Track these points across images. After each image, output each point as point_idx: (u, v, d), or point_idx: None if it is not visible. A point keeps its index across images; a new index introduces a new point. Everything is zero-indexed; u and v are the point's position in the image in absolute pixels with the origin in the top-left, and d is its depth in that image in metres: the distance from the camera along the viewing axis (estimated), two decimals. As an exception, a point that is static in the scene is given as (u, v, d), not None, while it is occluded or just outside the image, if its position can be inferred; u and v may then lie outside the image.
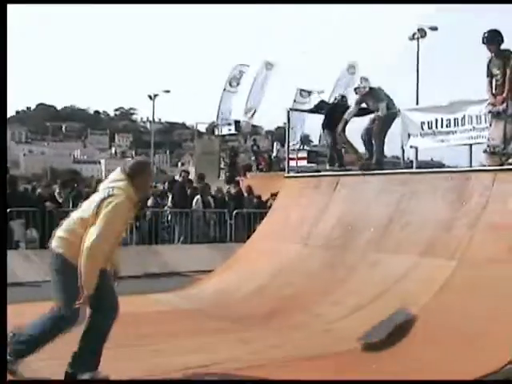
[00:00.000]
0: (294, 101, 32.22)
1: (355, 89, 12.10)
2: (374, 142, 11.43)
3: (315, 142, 34.00)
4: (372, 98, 11.53)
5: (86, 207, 5.72)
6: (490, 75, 9.72)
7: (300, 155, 29.00)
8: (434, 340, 7.06)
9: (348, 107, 12.31)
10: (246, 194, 19.07)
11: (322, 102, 13.37)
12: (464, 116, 11.13)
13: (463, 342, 6.89)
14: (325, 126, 12.91)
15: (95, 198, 5.68)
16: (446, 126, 11.49)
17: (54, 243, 5.67)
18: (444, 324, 7.33)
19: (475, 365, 6.34)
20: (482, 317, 7.14)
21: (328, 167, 12.83)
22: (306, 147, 32.09)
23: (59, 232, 5.71)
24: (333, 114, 12.53)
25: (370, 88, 11.59)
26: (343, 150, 13.02)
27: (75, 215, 5.77)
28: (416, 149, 12.43)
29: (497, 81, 9.66)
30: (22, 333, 5.70)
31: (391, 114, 11.50)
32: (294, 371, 6.47)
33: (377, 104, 11.38)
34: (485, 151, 9.96)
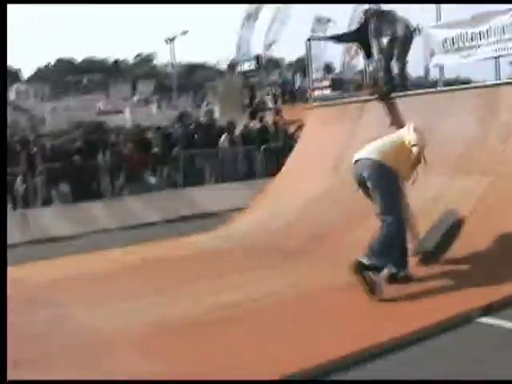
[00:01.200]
0: (312, 30, 31.66)
1: (366, 10, 11.64)
2: (396, 64, 11.09)
3: (338, 69, 33.52)
4: (387, 20, 11.14)
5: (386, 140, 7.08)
6: None
7: (323, 84, 28.67)
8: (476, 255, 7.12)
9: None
10: (271, 128, 18.90)
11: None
12: (489, 28, 10.76)
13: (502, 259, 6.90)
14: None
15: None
16: (471, 40, 11.14)
17: (370, 159, 6.86)
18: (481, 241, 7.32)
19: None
20: None
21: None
22: (329, 75, 31.67)
23: (368, 154, 6.93)
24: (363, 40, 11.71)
25: (382, 11, 11.20)
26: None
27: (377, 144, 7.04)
28: (441, 67, 12.13)
29: None
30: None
31: (410, 33, 11.13)
32: (329, 300, 6.57)
33: (394, 25, 11.01)
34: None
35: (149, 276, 8.41)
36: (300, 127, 15.73)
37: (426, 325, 5.51)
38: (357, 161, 7.06)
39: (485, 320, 5.69)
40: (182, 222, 13.92)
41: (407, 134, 6.92)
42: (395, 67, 11.06)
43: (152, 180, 15.79)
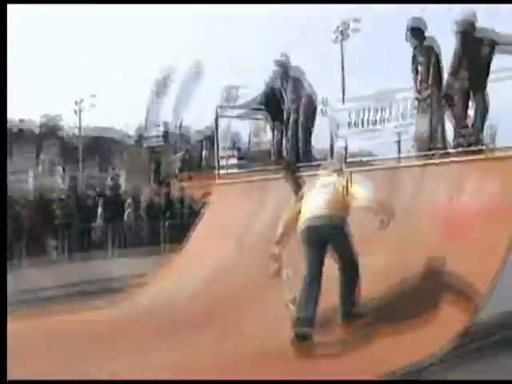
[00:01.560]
0: (223, 98, 32.02)
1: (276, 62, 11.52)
2: (300, 137, 11.24)
3: (245, 139, 33.88)
4: (293, 87, 11.33)
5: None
6: (415, 66, 9.82)
7: (230, 154, 28.86)
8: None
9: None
10: (176, 198, 18.85)
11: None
12: (391, 111, 11.18)
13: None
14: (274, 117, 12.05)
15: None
16: (373, 124, 11.52)
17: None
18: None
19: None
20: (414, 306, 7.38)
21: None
22: (236, 145, 31.93)
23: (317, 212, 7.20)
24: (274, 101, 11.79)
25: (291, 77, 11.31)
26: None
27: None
28: (345, 146, 12.47)
29: (421, 73, 9.74)
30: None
31: (314, 108, 11.35)
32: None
33: (299, 94, 11.24)
34: (413, 146, 10.08)
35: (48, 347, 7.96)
36: (205, 197, 15.71)
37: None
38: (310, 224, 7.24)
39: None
40: (83, 294, 13.42)
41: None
42: (300, 140, 11.19)
43: (54, 252, 15.33)
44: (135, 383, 4.46)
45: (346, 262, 7.35)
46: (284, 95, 11.46)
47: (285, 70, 11.37)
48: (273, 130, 12.02)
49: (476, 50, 8.93)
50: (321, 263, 7.26)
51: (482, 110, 9.04)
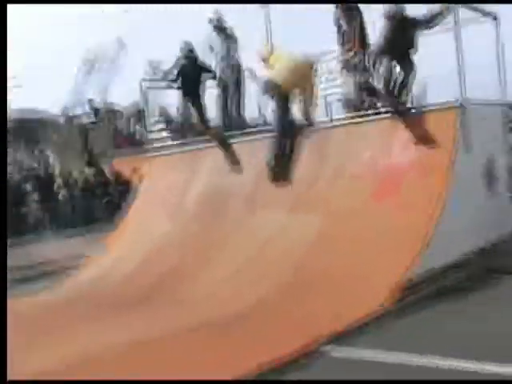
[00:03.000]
0: (146, 73, 31.59)
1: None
2: (232, 108, 11.19)
3: (173, 112, 33.60)
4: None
5: None
6: (339, 29, 9.84)
7: (159, 128, 28.58)
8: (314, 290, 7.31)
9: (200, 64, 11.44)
10: (111, 178, 18.63)
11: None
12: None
13: (340, 290, 7.20)
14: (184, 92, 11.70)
15: None
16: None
17: None
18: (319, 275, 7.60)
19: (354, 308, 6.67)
20: (354, 265, 7.52)
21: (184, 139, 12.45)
22: (163, 119, 31.65)
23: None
24: (186, 77, 11.35)
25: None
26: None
27: None
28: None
29: (345, 34, 9.78)
30: None
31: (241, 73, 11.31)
32: (183, 344, 6.40)
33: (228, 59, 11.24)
34: (339, 101, 10.14)
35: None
36: (137, 174, 15.53)
37: (271, 359, 5.49)
38: None
39: (329, 348, 5.83)
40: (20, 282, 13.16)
41: None
42: (232, 107, 11.12)
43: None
44: (135, 383, 4.40)
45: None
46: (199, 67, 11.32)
47: (219, 28, 11.33)
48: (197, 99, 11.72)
49: (403, 31, 8.92)
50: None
51: (408, 71, 9.11)
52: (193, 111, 11.62)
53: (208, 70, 11.21)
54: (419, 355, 5.29)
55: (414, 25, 8.87)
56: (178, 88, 11.40)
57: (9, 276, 13.00)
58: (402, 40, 8.76)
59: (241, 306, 7.34)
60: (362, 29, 9.70)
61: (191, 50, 11.24)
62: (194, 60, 11.31)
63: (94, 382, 4.54)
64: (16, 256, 14.09)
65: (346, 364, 5.50)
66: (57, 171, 18.40)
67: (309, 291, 7.36)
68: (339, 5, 9.77)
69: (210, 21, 11.39)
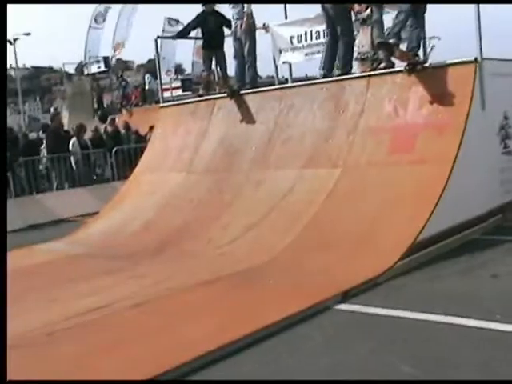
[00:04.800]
0: (163, 30, 31.37)
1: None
2: (247, 61, 11.05)
3: (188, 70, 33.49)
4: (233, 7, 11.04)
5: None
6: None
7: (174, 85, 28.50)
8: (328, 245, 7.28)
9: (220, 14, 11.52)
10: (123, 131, 18.57)
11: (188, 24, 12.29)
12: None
13: (354, 247, 7.12)
14: (205, 45, 11.79)
15: None
16: (316, 38, 11.39)
17: None
18: (327, 234, 7.55)
19: (368, 265, 6.61)
20: (364, 225, 7.40)
21: (201, 91, 12.38)
22: (179, 76, 31.57)
23: None
24: (208, 29, 11.45)
25: None
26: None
27: None
28: (290, 65, 12.34)
29: None
30: None
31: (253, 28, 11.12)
32: (188, 297, 6.47)
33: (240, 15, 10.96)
34: (356, 59, 10.00)
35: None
36: (151, 128, 15.53)
37: (285, 316, 5.52)
38: None
39: (341, 307, 5.83)
40: (32, 230, 13.28)
41: None
42: (248, 62, 10.99)
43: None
44: (136, 383, 4.44)
45: None
46: (219, 18, 11.29)
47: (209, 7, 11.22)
48: (212, 56, 11.70)
49: None
50: None
51: (420, 25, 8.99)
52: (212, 64, 11.61)
53: (227, 22, 11.11)
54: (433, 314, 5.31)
55: None
56: (194, 38, 11.37)
57: (24, 223, 13.25)
58: None
59: (255, 260, 7.39)
60: None
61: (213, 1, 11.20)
62: (215, 12, 11.27)
63: (94, 382, 4.59)
64: (31, 205, 14.24)
65: (357, 319, 5.53)
66: (70, 125, 18.31)
67: (324, 247, 7.36)
68: None
69: None
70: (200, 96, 11.98)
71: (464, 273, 6.52)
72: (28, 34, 47.29)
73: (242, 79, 10.95)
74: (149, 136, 16.08)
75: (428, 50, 11.02)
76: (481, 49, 8.23)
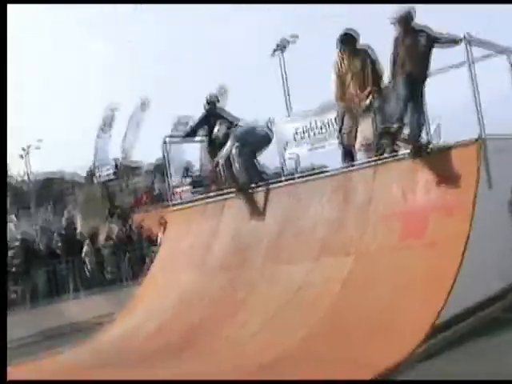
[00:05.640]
0: (174, 129, 32.02)
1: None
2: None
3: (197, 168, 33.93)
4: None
5: None
6: (351, 76, 9.87)
7: (184, 184, 28.81)
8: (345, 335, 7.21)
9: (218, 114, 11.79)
10: (136, 234, 18.71)
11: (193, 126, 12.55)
12: (334, 118, 11.20)
13: (370, 335, 7.03)
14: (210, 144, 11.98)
15: None
16: (319, 133, 11.58)
17: None
18: (343, 324, 7.49)
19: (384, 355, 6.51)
20: (380, 313, 7.34)
21: (213, 190, 12.48)
22: (188, 175, 31.95)
23: None
24: (212, 129, 11.61)
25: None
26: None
27: None
28: (297, 156, 12.50)
29: (359, 77, 9.81)
30: None
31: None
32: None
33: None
34: (359, 150, 10.10)
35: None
36: (164, 230, 15.59)
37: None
38: None
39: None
40: (48, 340, 13.16)
41: None
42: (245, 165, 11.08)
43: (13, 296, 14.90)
44: (135, 383, 4.35)
45: None
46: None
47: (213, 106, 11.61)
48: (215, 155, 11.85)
49: (415, 40, 8.99)
50: None
51: (422, 109, 9.13)
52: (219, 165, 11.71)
53: (230, 123, 11.33)
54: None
55: (427, 36, 8.90)
56: (200, 141, 11.58)
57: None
58: (416, 52, 8.80)
59: (268, 357, 7.28)
60: (375, 70, 9.73)
61: (214, 104, 11.47)
62: (218, 113, 11.54)
63: (94, 382, 4.47)
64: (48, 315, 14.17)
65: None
66: (83, 230, 18.51)
67: (340, 337, 7.26)
68: (344, 52, 9.85)
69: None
70: (211, 194, 12.08)
71: (483, 355, 6.40)
72: (40, 140, 47.99)
73: (247, 175, 11.03)
74: (160, 238, 16.15)
75: (432, 130, 11.16)
76: (483, 127, 8.34)
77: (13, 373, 9.34)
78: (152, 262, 12.21)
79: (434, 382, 4.16)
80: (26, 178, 55.41)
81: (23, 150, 47.07)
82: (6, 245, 5.46)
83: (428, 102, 9.38)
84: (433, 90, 9.33)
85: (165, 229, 14.56)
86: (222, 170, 11.94)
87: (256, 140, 11.10)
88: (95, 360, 9.32)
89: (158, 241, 16.44)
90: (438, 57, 9.18)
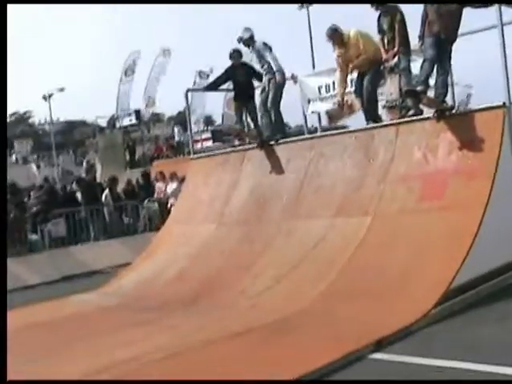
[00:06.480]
0: (194, 83, 31.95)
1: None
2: (270, 112, 11.10)
3: (218, 121, 33.90)
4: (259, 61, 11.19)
5: None
6: (381, 32, 9.75)
7: (204, 136, 28.87)
8: (361, 293, 7.25)
9: (249, 66, 11.58)
10: (156, 182, 18.75)
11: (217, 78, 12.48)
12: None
13: (378, 298, 7.09)
14: (236, 98, 11.83)
15: None
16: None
17: None
18: (360, 282, 7.52)
19: (402, 314, 6.56)
20: (397, 273, 7.38)
21: (237, 142, 12.48)
22: (209, 128, 31.97)
23: None
24: (238, 82, 11.52)
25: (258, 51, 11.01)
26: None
27: None
28: (318, 114, 12.46)
29: (387, 37, 9.70)
30: None
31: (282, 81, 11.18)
32: (220, 349, 6.43)
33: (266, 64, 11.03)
34: (384, 107, 10.05)
35: (39, 338, 7.96)
36: (182, 180, 15.66)
37: (319, 366, 5.50)
38: None
39: (377, 356, 5.77)
40: (67, 282, 13.39)
41: None
42: (272, 113, 11.03)
43: (34, 239, 15.09)
44: (136, 383, 4.44)
45: None
46: (249, 70, 11.38)
47: (250, 44, 11.24)
48: (243, 108, 11.77)
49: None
50: None
51: (446, 72, 9.02)
52: (242, 116, 11.67)
53: (257, 73, 11.22)
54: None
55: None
56: (224, 90, 11.46)
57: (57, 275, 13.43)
58: (445, 13, 8.64)
59: (287, 311, 7.37)
60: (405, 29, 9.59)
61: (240, 54, 11.32)
62: (244, 64, 11.40)
63: (94, 382, 4.57)
64: (65, 257, 14.39)
65: (392, 368, 5.47)
66: (103, 176, 18.59)
67: (356, 295, 7.32)
68: (378, 7, 9.69)
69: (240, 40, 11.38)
70: (234, 146, 12.09)
71: (500, 320, 6.42)
72: (62, 89, 48.27)
73: (270, 130, 11.00)
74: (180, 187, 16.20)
75: (465, 98, 11.08)
76: (509, 93, 8.25)
77: (36, 310, 9.75)
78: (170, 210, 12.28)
79: (433, 381, 4.21)
80: (47, 122, 55.69)
81: (44, 98, 47.28)
82: (5, 242, 5.49)
83: (461, 67, 9.25)
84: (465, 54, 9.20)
85: (183, 177, 14.59)
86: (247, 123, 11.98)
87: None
88: (116, 301, 9.63)
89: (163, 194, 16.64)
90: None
